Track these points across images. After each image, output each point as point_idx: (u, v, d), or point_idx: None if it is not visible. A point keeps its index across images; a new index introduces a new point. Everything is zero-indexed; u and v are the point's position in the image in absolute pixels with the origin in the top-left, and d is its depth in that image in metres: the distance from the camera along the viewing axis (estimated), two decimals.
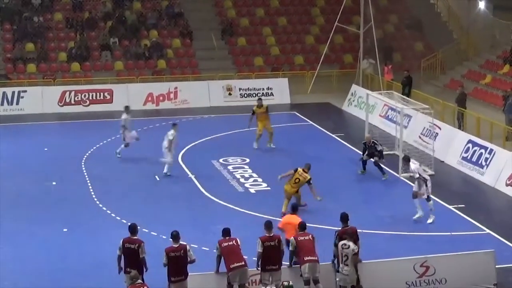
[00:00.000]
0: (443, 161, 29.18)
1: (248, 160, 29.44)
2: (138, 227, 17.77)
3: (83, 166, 29.20)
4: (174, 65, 43.89)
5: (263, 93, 40.37)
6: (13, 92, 38.48)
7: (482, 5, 43.23)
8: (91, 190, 26.41)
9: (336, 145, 32.08)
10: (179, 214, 24.03)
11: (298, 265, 17.74)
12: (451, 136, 30.20)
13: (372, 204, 25.13)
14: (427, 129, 30.75)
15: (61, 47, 43.94)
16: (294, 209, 19.70)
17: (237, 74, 43.11)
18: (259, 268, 17.59)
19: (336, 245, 17.97)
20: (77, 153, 30.67)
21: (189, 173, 28.25)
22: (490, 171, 27.31)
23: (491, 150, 27.78)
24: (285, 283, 17.84)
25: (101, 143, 32.41)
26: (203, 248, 20.37)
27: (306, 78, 42.17)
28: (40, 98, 38.75)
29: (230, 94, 40.16)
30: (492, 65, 40.19)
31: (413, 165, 23.79)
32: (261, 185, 26.95)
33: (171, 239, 17.17)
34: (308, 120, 35.70)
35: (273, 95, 40.48)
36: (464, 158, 28.76)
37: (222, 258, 17.41)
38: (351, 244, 17.43)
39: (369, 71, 41.38)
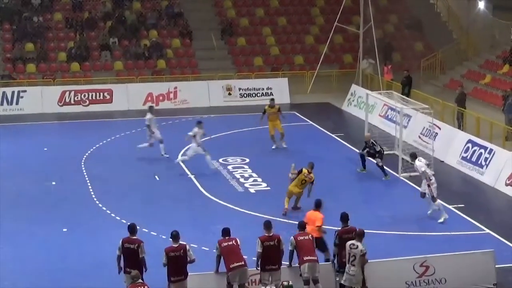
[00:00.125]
0: (442, 161, 29.19)
1: (247, 160, 29.45)
2: (138, 227, 17.78)
3: (82, 166, 29.20)
4: (174, 65, 43.90)
5: (262, 93, 40.42)
6: (13, 92, 38.48)
7: (481, 5, 43.24)
8: (91, 190, 26.41)
9: (336, 145, 32.08)
10: (178, 214, 24.03)
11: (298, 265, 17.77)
12: (451, 136, 30.20)
13: (372, 204, 25.13)
14: (427, 129, 30.76)
15: (61, 47, 43.94)
16: (318, 206, 19.65)
17: (236, 74, 43.11)
18: (259, 268, 17.59)
19: (336, 245, 17.98)
20: (76, 153, 30.67)
21: (188, 173, 28.24)
22: (490, 171, 27.31)
23: (491, 150, 27.78)
24: (285, 283, 17.84)
25: (101, 143, 32.41)
26: (203, 248, 20.37)
27: (305, 78, 42.18)
28: (40, 98, 38.75)
29: (229, 94, 40.17)
30: (492, 65, 40.21)
31: (419, 162, 23.74)
32: (260, 185, 26.96)
33: (170, 239, 17.17)
34: (308, 120, 35.71)
35: (272, 95, 40.39)
36: (463, 158, 28.77)
37: (222, 258, 17.41)
38: (359, 244, 17.41)
39: (368, 71, 41.39)
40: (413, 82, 38.04)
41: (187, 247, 17.09)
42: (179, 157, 28.76)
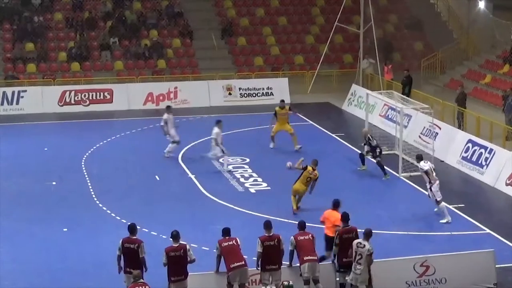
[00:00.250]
0: (443, 161, 29.17)
1: (248, 160, 29.45)
2: (138, 227, 17.79)
3: (83, 166, 29.21)
4: (174, 65, 43.90)
5: (263, 93, 40.42)
6: (13, 92, 38.47)
7: (482, 4, 43.24)
8: (91, 189, 26.41)
9: (336, 144, 32.07)
10: (179, 214, 24.02)
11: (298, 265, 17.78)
12: (451, 135, 30.20)
13: (372, 204, 25.11)
14: (427, 128, 30.76)
15: (61, 47, 43.95)
16: (336, 206, 19.62)
17: (237, 74, 43.11)
18: (259, 268, 17.59)
19: (336, 245, 17.98)
20: (77, 153, 30.67)
21: (189, 173, 28.25)
22: (490, 170, 27.31)
23: (491, 149, 27.78)
24: (285, 283, 17.84)
25: (101, 143, 32.41)
26: (203, 247, 20.38)
27: (306, 78, 42.18)
28: (40, 98, 38.75)
29: (230, 94, 40.17)
30: (492, 65, 40.21)
31: (422, 162, 23.72)
32: (261, 184, 26.95)
33: (171, 239, 17.17)
34: (308, 120, 35.70)
35: (273, 94, 40.46)
36: (464, 158, 28.76)
37: (222, 257, 17.41)
38: (366, 243, 17.42)
39: (369, 71, 41.38)
40: (414, 82, 38.03)
41: (187, 247, 17.09)
42: (210, 155, 28.69)
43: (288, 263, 17.94)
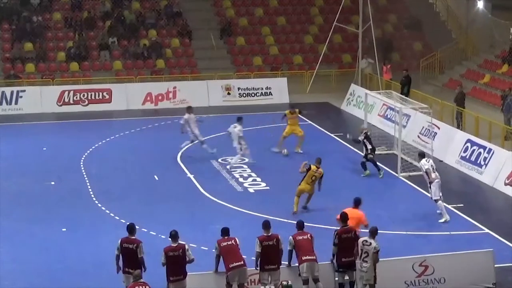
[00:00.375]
0: (442, 161, 29.17)
1: (247, 160, 29.43)
2: (137, 227, 17.79)
3: (82, 165, 29.20)
4: (173, 64, 43.91)
5: (262, 92, 40.43)
6: (12, 92, 38.46)
7: (481, 4, 43.27)
8: (90, 189, 26.41)
9: (335, 144, 32.06)
10: (178, 214, 24.02)
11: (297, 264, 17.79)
12: (450, 135, 30.21)
13: (371, 204, 24.95)
14: (426, 128, 30.76)
15: (60, 47, 43.94)
16: (357, 203, 19.74)
17: (236, 73, 43.12)
18: (258, 268, 17.59)
19: (335, 245, 17.98)
20: (76, 153, 30.67)
21: (187, 172, 28.25)
22: (489, 170, 27.31)
23: (490, 149, 27.79)
24: (284, 283, 17.85)
25: (100, 143, 32.40)
26: (202, 247, 20.37)
27: (305, 78, 42.19)
28: (39, 98, 38.74)
29: (229, 93, 40.17)
30: (491, 65, 40.22)
31: (424, 160, 23.71)
32: (260, 184, 26.95)
33: (169, 239, 17.17)
34: (307, 120, 35.67)
35: (272, 94, 40.49)
36: (463, 158, 28.77)
37: (221, 257, 17.41)
38: (372, 241, 17.46)
39: (368, 71, 41.38)
40: (412, 81, 38.02)
41: (186, 246, 17.09)
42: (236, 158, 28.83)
43: (287, 263, 17.93)
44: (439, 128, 30.72)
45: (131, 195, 26.02)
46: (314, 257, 17.70)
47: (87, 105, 38.92)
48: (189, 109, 30.46)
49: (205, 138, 30.39)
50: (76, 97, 38.94)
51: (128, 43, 44.25)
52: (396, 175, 27.74)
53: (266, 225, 17.75)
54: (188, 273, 17.15)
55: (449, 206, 24.35)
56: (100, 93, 39.24)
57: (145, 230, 21.64)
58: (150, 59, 43.63)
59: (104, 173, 28.45)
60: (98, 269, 19.86)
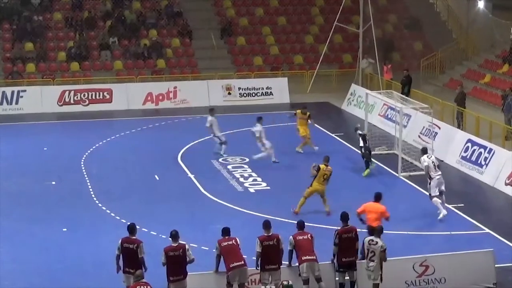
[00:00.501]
0: (442, 161, 29.13)
1: (247, 160, 29.43)
2: (138, 227, 17.79)
3: (82, 165, 29.20)
4: (174, 64, 43.90)
5: (262, 92, 40.43)
6: (13, 92, 38.46)
7: (481, 4, 43.25)
8: (91, 189, 26.41)
9: (336, 144, 32.05)
10: (178, 214, 24.02)
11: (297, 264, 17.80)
12: (451, 135, 30.21)
13: None
14: (427, 128, 30.76)
15: (61, 47, 43.93)
16: (378, 198, 20.02)
17: (236, 73, 43.11)
18: (259, 268, 17.59)
19: (336, 244, 17.98)
20: (76, 153, 30.66)
21: (188, 172, 28.25)
22: (490, 170, 27.31)
23: (491, 149, 27.78)
24: (285, 283, 17.85)
25: (101, 143, 32.40)
26: (203, 247, 20.38)
27: (305, 78, 42.19)
28: (40, 98, 38.74)
29: (229, 93, 40.17)
30: (492, 65, 40.21)
31: (425, 156, 23.79)
32: (260, 184, 26.95)
33: (170, 239, 17.17)
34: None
35: (272, 94, 40.50)
36: (463, 158, 28.77)
37: (222, 257, 17.40)
38: (379, 240, 17.51)
39: (368, 71, 41.39)
40: (413, 81, 38.04)
41: (187, 246, 17.08)
42: (259, 155, 28.95)
43: (287, 262, 17.93)
44: (439, 128, 30.71)
45: (131, 195, 26.02)
46: (314, 257, 17.70)
47: (87, 105, 38.92)
48: (212, 111, 30.20)
49: (205, 138, 30.35)
50: (77, 97, 38.94)
51: (128, 43, 44.25)
52: (397, 175, 27.74)
53: (267, 225, 17.76)
54: (188, 273, 17.15)
55: (450, 206, 24.36)
56: (101, 93, 39.23)
57: (146, 230, 21.65)
58: (151, 59, 43.62)
59: (104, 173, 28.45)
60: (98, 269, 19.86)
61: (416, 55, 44.40)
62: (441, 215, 23.26)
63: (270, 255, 17.49)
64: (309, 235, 17.91)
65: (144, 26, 45.21)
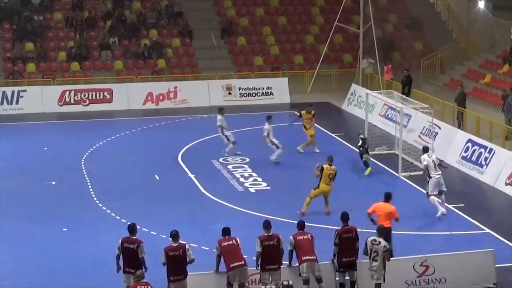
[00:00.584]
0: (442, 161, 29.13)
1: (247, 160, 29.45)
2: (138, 227, 17.78)
3: (82, 165, 29.20)
4: (174, 64, 43.90)
5: (262, 92, 40.43)
6: (13, 92, 38.47)
7: (481, 4, 43.24)
8: (91, 189, 26.41)
9: (336, 144, 32.04)
10: (178, 214, 24.02)
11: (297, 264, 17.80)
12: (451, 135, 30.21)
13: (371, 204, 25.05)
14: (427, 128, 30.76)
15: (61, 47, 43.93)
16: (388, 198, 20.04)
17: (236, 73, 43.11)
18: (259, 268, 17.59)
19: (336, 244, 17.98)
20: (76, 153, 30.67)
21: (188, 172, 28.25)
22: (490, 170, 27.31)
23: (491, 149, 27.78)
24: (285, 283, 17.84)
25: (101, 143, 32.41)
26: (203, 247, 20.38)
27: (305, 78, 42.19)
28: (40, 98, 38.75)
29: (229, 93, 40.17)
30: (492, 65, 40.20)
31: (425, 155, 23.87)
32: (260, 184, 26.95)
33: (170, 239, 17.17)
34: None
35: (272, 94, 40.50)
36: (463, 158, 28.77)
37: (222, 257, 17.40)
38: (381, 240, 17.53)
39: (368, 71, 41.38)
40: (413, 81, 38.03)
41: (187, 246, 17.08)
42: (274, 156, 29.07)
43: (287, 262, 17.93)
44: (440, 128, 30.71)
45: (132, 195, 26.02)
46: (315, 257, 17.69)
47: (88, 105, 38.92)
48: (221, 111, 30.11)
49: (205, 138, 30.35)
50: (77, 97, 38.95)
51: (129, 43, 44.25)
52: (397, 175, 27.73)
53: (267, 225, 17.75)
54: (188, 273, 17.15)
55: (450, 206, 24.37)
56: (101, 93, 39.24)
57: (146, 230, 21.65)
58: (151, 59, 43.62)
59: (105, 173, 28.46)
60: (98, 269, 19.87)
61: (416, 55, 44.40)
62: (439, 213, 23.37)
63: (270, 255, 17.48)
64: (309, 235, 17.90)
65: (145, 26, 45.21)
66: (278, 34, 46.57)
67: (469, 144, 28.81)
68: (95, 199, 25.47)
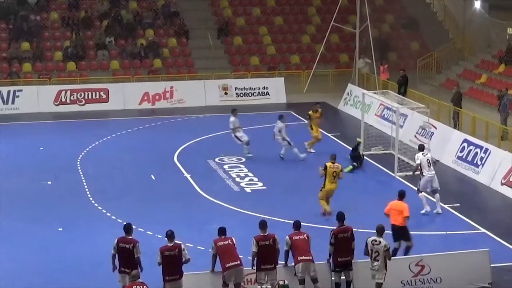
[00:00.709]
0: (438, 160, 29.15)
1: (243, 160, 29.44)
2: (134, 227, 17.78)
3: (78, 165, 29.19)
4: (170, 64, 43.89)
5: (259, 92, 40.42)
6: (9, 92, 38.43)
7: (478, 4, 43.28)
8: (87, 189, 26.40)
9: (332, 144, 32.03)
10: (174, 214, 24.01)
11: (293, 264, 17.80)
12: (447, 135, 30.23)
13: (367, 204, 25.08)
14: (423, 128, 30.76)
15: (57, 46, 43.89)
16: (402, 196, 20.20)
17: (233, 73, 43.11)
18: (255, 268, 17.59)
19: (331, 244, 17.98)
20: (72, 153, 30.65)
21: (184, 172, 28.24)
22: (486, 170, 27.34)
23: (487, 149, 27.81)
24: (281, 282, 17.85)
25: (97, 142, 32.39)
26: (199, 247, 20.38)
27: (302, 78, 42.20)
28: (36, 98, 38.71)
29: (226, 93, 40.16)
30: (488, 65, 40.24)
31: (419, 154, 24.00)
32: (256, 184, 26.96)
33: (166, 238, 17.16)
34: (304, 120, 35.59)
35: (269, 94, 40.50)
36: (459, 157, 28.80)
37: (218, 257, 17.40)
38: (382, 240, 17.57)
39: (365, 71, 41.40)
40: (409, 81, 38.03)
41: (182, 246, 17.08)
42: (300, 156, 29.21)
43: (283, 262, 17.93)
44: (436, 128, 30.73)
45: (128, 194, 26.01)
46: (310, 257, 17.70)
47: (84, 104, 38.90)
48: (234, 112, 30.04)
49: (202, 137, 30.34)
50: (73, 97, 38.92)
51: (125, 42, 44.22)
52: (393, 174, 27.75)
53: (263, 224, 17.75)
54: (184, 273, 17.14)
55: (446, 206, 24.40)
56: (97, 93, 39.21)
57: (142, 229, 21.64)
58: (147, 58, 43.61)
59: (101, 172, 28.44)
60: (94, 269, 19.86)
61: (412, 55, 44.44)
62: (423, 210, 23.62)
63: (266, 255, 17.48)
64: (305, 235, 17.90)
65: (141, 26, 45.19)
66: (275, 34, 46.57)
67: (465, 144, 28.84)
68: (91, 199, 25.46)
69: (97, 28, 44.86)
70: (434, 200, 23.93)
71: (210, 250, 17.61)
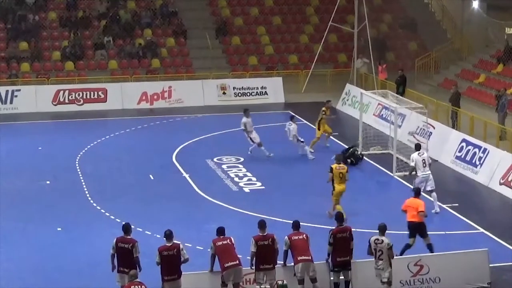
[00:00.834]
0: (437, 160, 29.19)
1: (242, 159, 29.45)
2: (132, 226, 17.77)
3: (77, 165, 29.18)
4: (168, 64, 43.89)
5: (257, 92, 40.42)
6: (7, 91, 38.41)
7: (476, 4, 43.31)
8: (85, 189, 26.38)
9: (330, 144, 32.03)
10: (173, 213, 24.00)
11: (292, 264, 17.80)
12: (445, 135, 30.24)
13: (366, 204, 25.12)
14: (421, 128, 30.78)
15: (55, 46, 43.89)
16: (417, 193, 20.48)
17: (231, 73, 43.11)
18: (253, 267, 17.59)
19: (330, 244, 17.98)
20: (71, 152, 30.64)
21: (183, 172, 28.24)
22: (484, 170, 27.35)
23: (485, 149, 27.82)
24: (279, 282, 17.84)
25: (95, 142, 32.38)
26: (197, 247, 20.37)
27: (300, 78, 42.20)
28: (34, 97, 38.69)
29: (224, 93, 40.16)
30: (486, 65, 40.26)
31: (415, 154, 24.05)
32: (255, 184, 26.95)
33: (164, 238, 17.16)
34: (302, 120, 35.65)
35: (267, 94, 40.50)
36: (458, 157, 28.81)
37: (216, 257, 17.40)
38: (384, 238, 17.58)
39: (363, 70, 41.42)
40: (408, 81, 38.06)
41: (181, 246, 17.07)
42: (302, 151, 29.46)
43: (282, 262, 17.93)
44: (434, 128, 30.73)
45: (126, 194, 26.01)
46: (310, 257, 17.69)
47: (82, 104, 38.89)
48: (246, 112, 29.91)
49: (201, 137, 30.32)
50: (71, 97, 38.91)
51: (123, 42, 44.22)
52: (392, 174, 27.76)
53: (262, 224, 17.75)
54: (183, 273, 17.14)
55: (444, 206, 24.41)
56: (95, 93, 39.21)
57: (140, 229, 21.64)
58: (146, 58, 43.61)
59: (99, 172, 28.43)
60: (93, 269, 19.85)
61: (410, 55, 44.47)
62: (433, 210, 23.54)
63: (265, 255, 17.48)
64: (304, 235, 17.89)
65: (139, 26, 45.20)
66: (273, 33, 46.59)
67: (463, 144, 28.85)
68: (89, 198, 25.45)
69: (95, 28, 44.86)
70: (431, 199, 23.95)
71: (208, 250, 17.61)
